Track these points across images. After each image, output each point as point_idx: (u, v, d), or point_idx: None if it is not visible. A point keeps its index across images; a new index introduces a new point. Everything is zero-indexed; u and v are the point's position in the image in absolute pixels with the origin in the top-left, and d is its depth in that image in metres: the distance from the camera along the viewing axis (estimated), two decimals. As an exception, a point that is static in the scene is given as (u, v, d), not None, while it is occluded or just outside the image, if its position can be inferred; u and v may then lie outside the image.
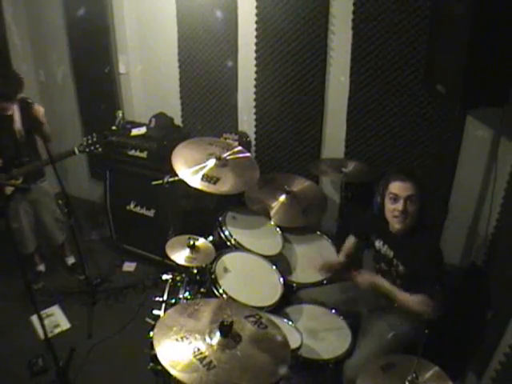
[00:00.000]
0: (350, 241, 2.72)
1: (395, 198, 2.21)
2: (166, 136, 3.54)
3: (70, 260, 3.75)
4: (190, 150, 2.88)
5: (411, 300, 2.20)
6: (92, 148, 3.25)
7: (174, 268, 2.64)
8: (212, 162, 2.78)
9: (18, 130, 3.19)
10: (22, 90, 3.08)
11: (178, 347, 1.70)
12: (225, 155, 2.85)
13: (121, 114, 3.73)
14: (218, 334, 1.74)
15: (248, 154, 3.04)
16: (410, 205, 2.18)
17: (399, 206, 2.19)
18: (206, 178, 2.69)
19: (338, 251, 2.88)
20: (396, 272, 2.34)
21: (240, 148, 3.03)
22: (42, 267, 3.70)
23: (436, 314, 2.18)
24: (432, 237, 2.32)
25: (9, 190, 3.19)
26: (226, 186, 2.70)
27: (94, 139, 3.25)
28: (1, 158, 3.14)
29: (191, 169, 2.72)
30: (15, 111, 3.17)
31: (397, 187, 2.20)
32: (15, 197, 3.25)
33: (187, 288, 2.56)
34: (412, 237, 2.26)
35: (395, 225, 2.26)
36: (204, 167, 2.75)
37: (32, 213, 3.41)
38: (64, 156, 3.37)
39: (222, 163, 2.80)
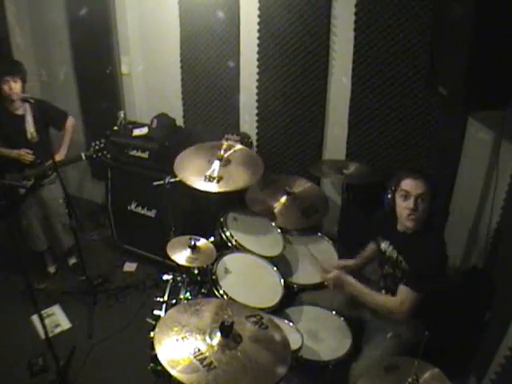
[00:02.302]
0: (371, 247, 2.67)
1: (406, 196, 2.21)
2: (168, 137, 3.54)
3: (72, 260, 3.76)
4: (192, 160, 2.86)
5: (382, 299, 2.30)
6: (99, 154, 3.28)
7: (175, 268, 2.65)
8: (217, 164, 2.79)
9: (30, 130, 3.24)
10: (17, 72, 3.11)
11: (178, 347, 1.71)
12: (226, 155, 2.86)
13: (122, 115, 3.73)
14: (218, 334, 1.74)
15: (246, 148, 3.04)
16: (421, 203, 2.18)
17: (410, 203, 2.18)
18: (209, 178, 2.69)
19: (339, 252, 2.88)
20: (401, 273, 2.33)
21: (241, 147, 3.03)
22: (52, 269, 3.71)
23: (404, 317, 2.21)
24: (440, 239, 2.31)
25: (22, 190, 3.23)
26: (230, 183, 2.69)
27: (102, 145, 3.27)
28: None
29: (200, 178, 2.71)
30: (27, 111, 3.21)
31: (408, 185, 2.20)
32: (26, 199, 3.30)
33: (188, 288, 2.56)
34: (420, 236, 2.26)
35: (407, 223, 2.25)
36: (211, 171, 2.75)
37: (41, 214, 3.43)
38: (70, 161, 3.41)
39: (225, 163, 2.80)
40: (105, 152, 3.29)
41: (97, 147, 3.27)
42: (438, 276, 2.21)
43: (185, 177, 2.71)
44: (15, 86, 3.08)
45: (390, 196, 2.31)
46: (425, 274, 2.18)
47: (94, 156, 3.28)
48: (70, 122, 3.50)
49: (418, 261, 2.21)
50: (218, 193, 2.66)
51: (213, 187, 2.65)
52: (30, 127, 3.24)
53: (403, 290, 2.21)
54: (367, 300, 2.31)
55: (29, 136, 3.25)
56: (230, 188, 2.67)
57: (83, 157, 3.28)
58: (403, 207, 2.23)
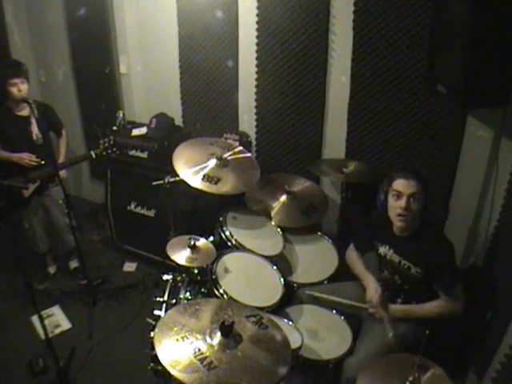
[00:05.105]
0: (354, 253, 2.65)
1: (398, 195, 2.19)
2: (167, 136, 3.54)
3: (73, 264, 3.72)
4: (190, 150, 2.89)
5: (435, 307, 2.24)
6: (109, 151, 3.24)
7: (175, 268, 2.64)
8: (213, 163, 2.79)
9: (35, 132, 3.22)
10: (22, 73, 3.08)
11: (178, 347, 1.71)
12: (226, 155, 2.86)
13: (121, 115, 3.73)
14: (218, 334, 1.74)
15: (249, 155, 3.04)
16: (413, 202, 2.17)
17: (402, 203, 2.17)
18: (207, 178, 2.70)
19: (339, 252, 2.88)
20: (402, 278, 2.31)
21: (241, 148, 3.04)
22: (52, 269, 3.70)
23: (462, 311, 2.22)
24: (441, 234, 2.31)
25: (27, 192, 3.21)
26: (226, 186, 2.71)
27: (111, 142, 3.23)
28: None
29: (192, 169, 2.73)
30: (32, 113, 3.18)
31: (400, 184, 2.19)
32: (31, 201, 3.28)
33: (188, 288, 2.56)
34: (419, 238, 2.25)
35: (397, 223, 2.25)
36: (205, 167, 2.76)
37: (44, 216, 3.42)
38: (80, 159, 3.40)
39: (223, 163, 2.81)
40: (114, 149, 3.24)
41: (106, 144, 3.22)
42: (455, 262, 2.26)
43: (179, 161, 2.75)
44: (23, 87, 3.06)
45: (382, 197, 2.30)
46: (450, 268, 2.21)
47: (104, 153, 3.23)
48: (64, 132, 3.52)
49: (434, 261, 2.19)
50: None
51: (205, 187, 2.67)
52: (35, 129, 3.21)
53: (445, 295, 2.22)
54: (422, 317, 2.26)
55: (34, 137, 3.22)
56: (215, 191, 2.68)
57: (93, 155, 3.22)
58: (395, 207, 2.22)
